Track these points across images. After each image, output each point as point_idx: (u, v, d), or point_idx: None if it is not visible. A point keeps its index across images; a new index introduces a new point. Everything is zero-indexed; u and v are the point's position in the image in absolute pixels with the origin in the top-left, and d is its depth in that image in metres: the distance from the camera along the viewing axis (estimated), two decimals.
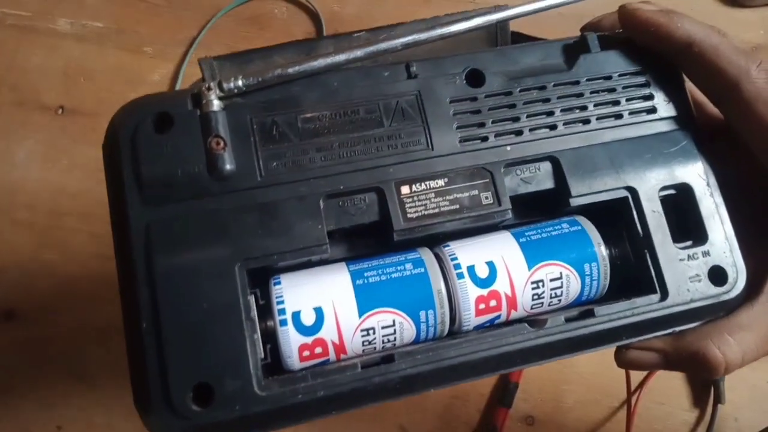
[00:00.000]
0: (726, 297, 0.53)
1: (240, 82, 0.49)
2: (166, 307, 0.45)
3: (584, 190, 0.53)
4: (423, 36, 0.53)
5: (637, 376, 0.96)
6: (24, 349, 1.04)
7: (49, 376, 1.03)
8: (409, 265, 0.50)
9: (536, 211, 0.55)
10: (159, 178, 0.47)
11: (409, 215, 0.50)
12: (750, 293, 0.54)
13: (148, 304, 0.45)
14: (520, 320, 0.51)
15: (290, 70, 0.50)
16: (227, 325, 0.45)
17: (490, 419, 0.98)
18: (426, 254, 0.51)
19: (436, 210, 0.51)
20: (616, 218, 0.54)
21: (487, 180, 0.52)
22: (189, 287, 0.45)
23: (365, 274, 0.49)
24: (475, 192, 0.51)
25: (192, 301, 0.45)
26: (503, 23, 0.59)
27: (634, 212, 0.53)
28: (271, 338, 0.47)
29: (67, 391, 1.02)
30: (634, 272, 0.54)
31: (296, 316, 0.47)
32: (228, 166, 0.48)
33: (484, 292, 0.50)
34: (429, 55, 0.55)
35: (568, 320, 0.50)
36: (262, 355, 0.46)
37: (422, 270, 0.50)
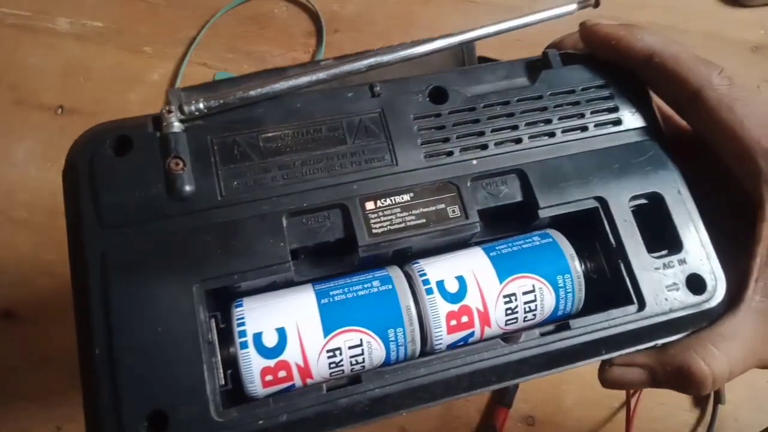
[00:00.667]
0: (707, 306, 0.52)
1: (201, 105, 0.49)
2: (120, 332, 0.43)
3: (553, 201, 0.52)
4: (386, 57, 0.53)
5: None
6: (23, 348, 1.02)
7: (48, 376, 1.01)
8: (376, 282, 0.49)
9: (508, 225, 0.55)
10: (117, 200, 0.47)
11: (374, 230, 0.49)
12: (732, 302, 0.53)
13: (101, 329, 0.44)
14: (494, 338, 0.50)
15: (252, 93, 0.50)
16: (184, 349, 0.44)
17: (490, 419, 0.97)
18: (394, 271, 0.50)
19: (402, 225, 0.50)
20: (589, 230, 0.54)
21: (454, 194, 0.51)
22: (144, 311, 0.44)
23: (331, 293, 0.48)
24: (442, 206, 0.51)
25: (147, 325, 0.44)
26: (469, 48, 0.60)
27: (606, 222, 0.53)
28: (232, 363, 0.46)
29: (67, 390, 1.00)
30: (611, 284, 0.53)
31: (257, 337, 0.45)
32: (187, 187, 0.47)
33: (455, 307, 0.49)
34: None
35: (543, 334, 0.49)
36: (222, 381, 0.45)
37: (390, 287, 0.49)
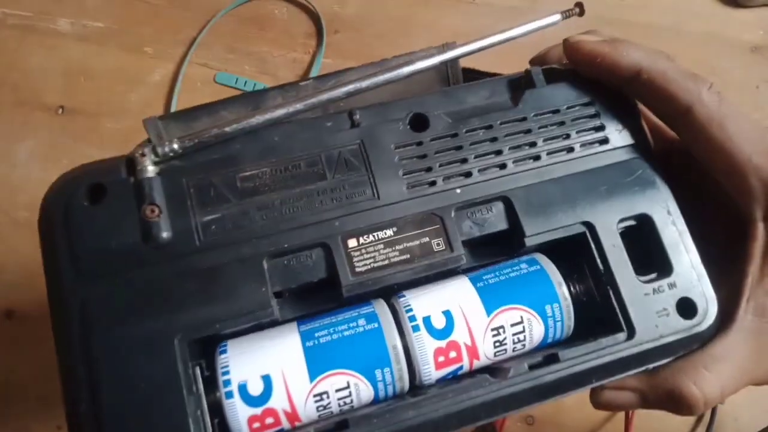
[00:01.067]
0: (698, 329, 0.51)
1: (176, 145, 0.49)
2: (104, 387, 0.44)
3: (539, 229, 0.52)
4: (365, 83, 0.53)
5: None
6: (24, 348, 1.03)
7: (49, 376, 1.02)
8: (362, 321, 0.49)
9: (494, 251, 0.54)
10: (93, 251, 0.46)
11: (357, 269, 0.49)
12: (723, 322, 0.53)
13: (85, 384, 0.44)
14: (483, 369, 0.50)
15: (228, 129, 0.50)
16: (168, 402, 0.44)
17: None
18: (380, 307, 0.50)
19: (386, 261, 0.50)
20: (577, 255, 0.53)
21: (438, 226, 0.51)
22: (127, 364, 0.44)
23: (316, 335, 0.48)
24: (426, 239, 0.51)
25: (131, 379, 0.44)
26: (453, 62, 0.58)
27: (594, 248, 0.52)
28: (218, 411, 0.45)
29: None
30: (600, 310, 0.52)
31: (242, 387, 0.45)
32: (164, 234, 0.47)
33: (443, 343, 0.49)
34: (378, 100, 0.55)
35: (531, 367, 0.49)
36: (210, 431, 0.45)
37: (376, 325, 0.48)
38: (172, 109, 1.12)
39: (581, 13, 0.61)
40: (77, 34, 1.19)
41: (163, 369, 0.44)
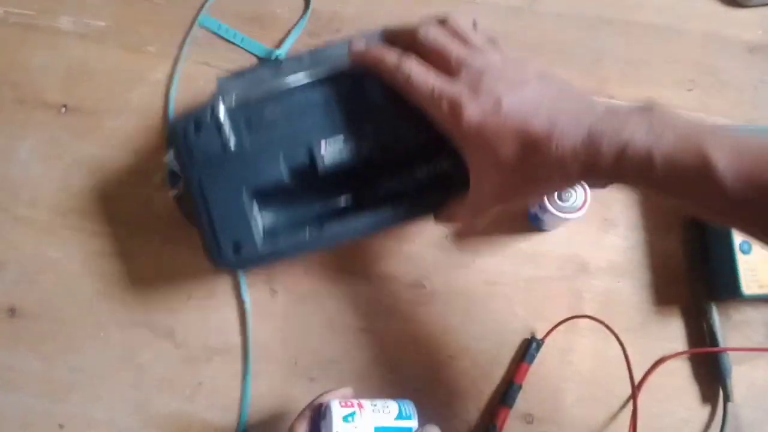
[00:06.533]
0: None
1: (233, 101, 0.94)
2: (212, 210, 0.91)
3: None
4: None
5: (637, 375, 1.00)
6: (26, 345, 1.07)
7: (50, 373, 1.05)
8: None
9: None
10: (200, 153, 0.92)
11: (326, 162, 0.91)
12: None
13: (204, 207, 0.92)
14: None
15: (260, 92, 0.95)
16: (241, 213, 0.91)
17: (490, 418, 1.02)
18: None
19: (342, 157, 0.91)
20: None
21: None
22: (220, 198, 0.91)
23: None
24: None
25: (223, 204, 0.91)
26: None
27: None
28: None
29: (69, 388, 1.06)
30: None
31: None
32: (231, 146, 0.92)
33: None
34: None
35: None
36: (261, 232, 0.93)
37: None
38: (171, 108, 1.17)
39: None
40: (79, 33, 1.20)
41: (237, 201, 0.91)
